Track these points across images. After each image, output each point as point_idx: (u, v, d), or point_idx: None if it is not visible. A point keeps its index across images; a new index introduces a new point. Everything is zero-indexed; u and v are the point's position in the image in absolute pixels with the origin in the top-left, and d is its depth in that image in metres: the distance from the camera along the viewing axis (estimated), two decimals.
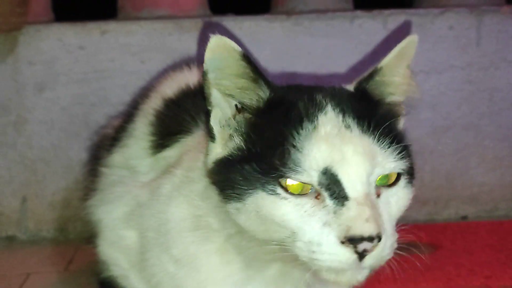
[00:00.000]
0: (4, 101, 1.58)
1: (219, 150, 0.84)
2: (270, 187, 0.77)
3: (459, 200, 1.71)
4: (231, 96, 0.83)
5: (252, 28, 1.60)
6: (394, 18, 1.61)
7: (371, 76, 0.86)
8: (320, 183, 0.76)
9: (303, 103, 0.82)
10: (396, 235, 0.80)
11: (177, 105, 1.10)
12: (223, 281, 0.91)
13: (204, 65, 0.80)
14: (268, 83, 0.83)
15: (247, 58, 0.80)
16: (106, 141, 1.27)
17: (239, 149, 0.82)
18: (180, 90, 1.13)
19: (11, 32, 1.54)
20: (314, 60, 1.62)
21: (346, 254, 0.74)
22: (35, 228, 1.64)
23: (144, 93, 1.26)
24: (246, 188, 0.79)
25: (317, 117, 0.80)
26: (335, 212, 0.75)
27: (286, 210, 0.77)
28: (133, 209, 1.02)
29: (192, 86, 1.13)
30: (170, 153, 1.03)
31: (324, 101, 0.82)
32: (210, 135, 0.84)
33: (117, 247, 1.05)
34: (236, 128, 0.83)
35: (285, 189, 0.77)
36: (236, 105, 0.84)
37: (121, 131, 1.20)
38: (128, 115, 1.24)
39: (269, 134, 0.80)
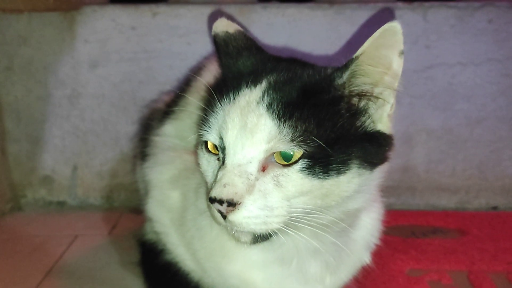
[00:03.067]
0: (61, 76, 1.68)
1: None
2: (200, 142, 0.91)
3: (490, 191, 1.74)
4: None
5: (295, 16, 1.65)
6: (434, 11, 1.63)
7: (346, 65, 0.86)
8: (219, 147, 0.87)
9: (245, 75, 0.90)
10: (281, 211, 0.83)
11: None
12: None
13: None
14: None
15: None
16: (157, 114, 1.36)
17: None
18: None
19: (70, 11, 1.63)
20: (353, 48, 1.64)
21: (214, 210, 0.84)
22: (83, 195, 1.76)
23: (196, 71, 1.33)
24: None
25: (241, 90, 0.87)
26: (219, 173, 0.85)
27: (202, 162, 0.91)
28: (181, 172, 1.11)
29: None
30: None
31: (262, 77, 0.88)
32: None
33: (162, 205, 1.14)
34: None
35: (206, 146, 0.90)
36: None
37: (173, 105, 1.28)
38: (180, 91, 1.31)
39: (212, 97, 0.91)
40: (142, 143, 1.35)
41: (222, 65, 0.97)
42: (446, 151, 1.72)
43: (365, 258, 1.08)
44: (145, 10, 1.66)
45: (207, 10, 1.65)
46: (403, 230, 1.54)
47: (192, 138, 1.15)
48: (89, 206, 1.75)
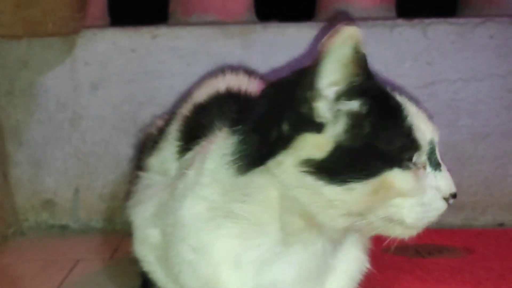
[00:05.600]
0: (62, 98, 1.68)
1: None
2: (403, 163, 0.86)
3: (497, 207, 1.71)
4: None
5: (294, 35, 1.65)
6: (434, 27, 1.63)
7: None
8: (427, 154, 0.90)
9: (392, 95, 0.93)
10: None
11: (204, 110, 1.15)
12: (236, 262, 0.94)
13: None
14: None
15: None
16: (150, 141, 1.33)
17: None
18: (210, 96, 1.18)
19: (70, 35, 1.64)
20: None
21: (445, 207, 0.89)
22: (85, 218, 1.75)
23: (184, 98, 1.31)
24: (375, 168, 0.84)
25: (404, 103, 0.91)
26: (435, 177, 0.89)
27: (412, 180, 0.86)
28: (158, 209, 1.08)
29: (222, 92, 1.18)
30: (189, 156, 1.07)
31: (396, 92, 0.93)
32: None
33: (146, 245, 1.11)
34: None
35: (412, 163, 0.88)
36: None
37: (161, 134, 1.25)
38: (169, 118, 1.28)
39: (385, 121, 0.87)
40: (136, 170, 1.34)
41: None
42: (451, 168, 1.67)
43: (365, 264, 1.07)
44: (145, 32, 1.66)
45: (206, 31, 1.65)
46: (408, 249, 1.52)
47: (172, 170, 1.13)
48: (91, 229, 1.74)
